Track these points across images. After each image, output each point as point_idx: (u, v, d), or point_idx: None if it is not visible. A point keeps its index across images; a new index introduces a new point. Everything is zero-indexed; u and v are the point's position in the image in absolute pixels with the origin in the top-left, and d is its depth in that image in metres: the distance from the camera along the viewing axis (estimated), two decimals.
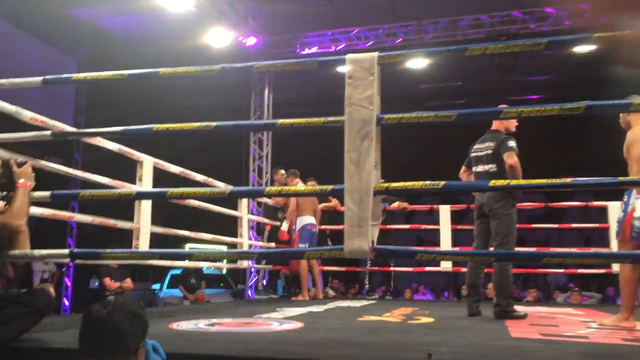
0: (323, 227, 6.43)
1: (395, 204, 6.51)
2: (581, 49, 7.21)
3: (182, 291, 7.97)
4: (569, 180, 2.27)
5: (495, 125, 4.03)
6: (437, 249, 5.61)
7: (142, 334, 1.47)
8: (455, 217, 6.47)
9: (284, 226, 6.17)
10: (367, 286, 6.96)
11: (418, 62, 8.02)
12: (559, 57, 8.02)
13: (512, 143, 3.78)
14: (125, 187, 4.05)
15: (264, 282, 7.99)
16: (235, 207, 5.85)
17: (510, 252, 3.45)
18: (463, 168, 4.18)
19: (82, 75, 2.81)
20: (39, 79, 2.74)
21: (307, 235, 5.83)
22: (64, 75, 2.95)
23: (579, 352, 2.24)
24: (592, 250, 3.32)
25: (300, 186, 5.85)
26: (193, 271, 7.87)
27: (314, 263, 6.02)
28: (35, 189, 2.61)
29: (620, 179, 3.48)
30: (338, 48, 8.58)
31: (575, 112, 2.35)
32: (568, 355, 2.12)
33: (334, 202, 6.38)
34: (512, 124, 4.05)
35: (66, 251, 2.63)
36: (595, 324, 3.46)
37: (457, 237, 6.35)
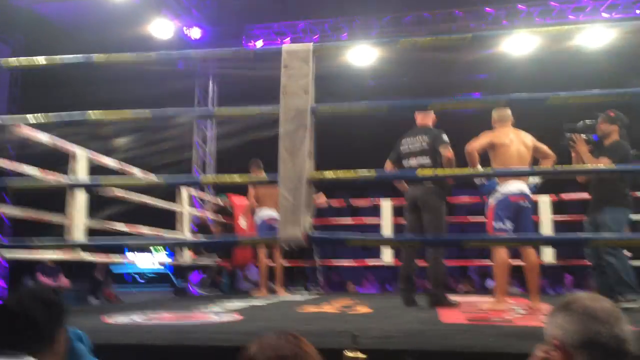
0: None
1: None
2: (521, 50, 7.50)
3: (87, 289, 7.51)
4: (488, 169, 2.41)
5: (424, 120, 4.10)
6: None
7: (58, 320, 1.42)
8: (399, 212, 6.58)
9: (241, 222, 5.94)
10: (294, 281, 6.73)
11: (364, 59, 7.99)
12: (497, 56, 8.23)
13: (446, 137, 3.91)
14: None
15: (205, 277, 7.85)
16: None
17: (437, 238, 3.63)
18: (388, 162, 4.20)
19: (11, 59, 2.72)
20: None
21: (264, 230, 5.34)
22: None
23: (499, 333, 2.36)
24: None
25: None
26: (101, 267, 7.58)
27: (276, 256, 5.54)
28: None
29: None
30: (284, 41, 8.49)
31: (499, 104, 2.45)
32: (489, 337, 2.23)
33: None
34: (434, 120, 4.16)
35: None
36: (521, 309, 3.64)
37: (401, 231, 6.45)
